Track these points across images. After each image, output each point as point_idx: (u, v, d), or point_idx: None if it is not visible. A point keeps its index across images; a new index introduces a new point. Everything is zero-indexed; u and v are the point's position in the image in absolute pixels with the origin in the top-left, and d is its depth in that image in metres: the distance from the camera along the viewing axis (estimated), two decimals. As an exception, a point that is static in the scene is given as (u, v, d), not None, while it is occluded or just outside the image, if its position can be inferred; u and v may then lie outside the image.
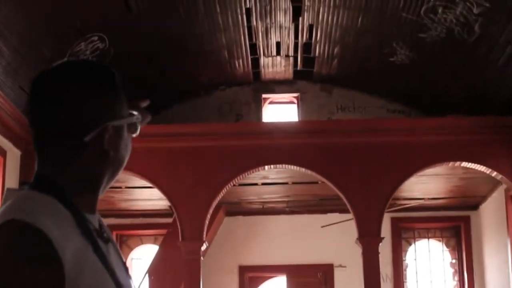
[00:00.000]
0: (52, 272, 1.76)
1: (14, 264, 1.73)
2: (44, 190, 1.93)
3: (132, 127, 2.09)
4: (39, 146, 2.02)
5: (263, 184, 13.14)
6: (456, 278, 15.14)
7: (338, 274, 14.84)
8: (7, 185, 10.92)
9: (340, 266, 14.81)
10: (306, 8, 12.04)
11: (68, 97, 1.99)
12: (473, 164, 11.51)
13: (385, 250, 13.44)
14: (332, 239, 14.68)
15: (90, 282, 1.85)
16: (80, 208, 1.96)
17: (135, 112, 2.10)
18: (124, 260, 2.13)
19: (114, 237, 15.18)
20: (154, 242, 15.36)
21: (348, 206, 11.62)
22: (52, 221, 1.83)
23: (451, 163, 11.64)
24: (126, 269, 2.10)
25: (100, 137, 2.00)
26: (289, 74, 14.44)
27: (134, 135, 2.11)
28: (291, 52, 13.62)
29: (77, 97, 1.99)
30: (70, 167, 1.99)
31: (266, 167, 11.74)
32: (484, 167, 11.50)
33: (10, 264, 1.73)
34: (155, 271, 13.99)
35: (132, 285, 2.07)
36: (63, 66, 2.09)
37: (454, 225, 15.21)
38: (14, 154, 11.45)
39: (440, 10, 10.92)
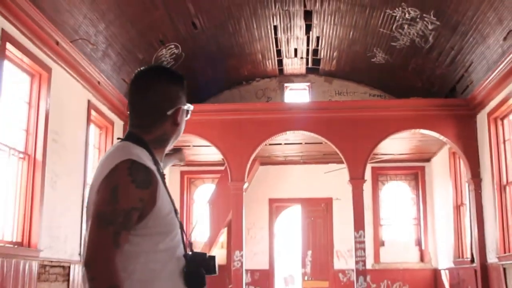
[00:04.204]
0: (151, 191, 1.86)
1: (131, 185, 1.84)
2: (135, 142, 2.00)
3: (188, 113, 2.15)
4: (135, 116, 2.07)
5: (285, 144, 13.04)
6: (415, 207, 15.03)
7: (335, 204, 14.71)
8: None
9: (337, 199, 14.69)
10: (314, 25, 11.93)
11: (155, 88, 2.05)
12: (427, 130, 11.45)
13: (367, 188, 13.34)
14: (332, 180, 14.58)
15: (165, 205, 1.93)
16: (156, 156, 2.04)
17: (189, 104, 2.14)
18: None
19: (184, 180, 15.28)
20: (212, 182, 15.33)
21: (343, 159, 11.58)
22: (147, 160, 1.93)
23: (412, 130, 11.55)
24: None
25: (175, 114, 2.08)
26: (303, 70, 14.19)
27: (186, 118, 2.15)
28: (304, 55, 13.44)
29: (162, 89, 2.06)
30: (155, 130, 2.05)
31: (288, 132, 11.69)
32: (435, 133, 11.43)
33: (129, 185, 1.83)
34: (213, 202, 14.10)
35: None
36: (152, 68, 2.14)
37: (414, 172, 15.03)
38: (118, 124, 11.54)
39: (406, 27, 10.84)
